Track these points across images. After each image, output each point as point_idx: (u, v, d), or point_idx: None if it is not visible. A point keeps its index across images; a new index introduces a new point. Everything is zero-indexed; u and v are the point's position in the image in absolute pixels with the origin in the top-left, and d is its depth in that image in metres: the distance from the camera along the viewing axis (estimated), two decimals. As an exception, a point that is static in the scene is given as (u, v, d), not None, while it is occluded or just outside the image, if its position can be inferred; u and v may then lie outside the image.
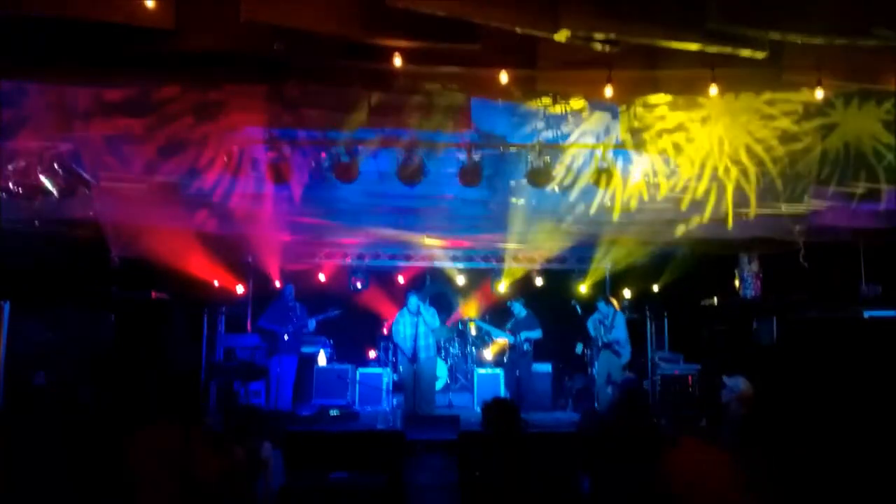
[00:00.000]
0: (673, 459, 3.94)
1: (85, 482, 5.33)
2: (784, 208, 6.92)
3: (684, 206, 7.26)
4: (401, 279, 12.35)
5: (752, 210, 7.06)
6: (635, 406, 4.97)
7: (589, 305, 10.02)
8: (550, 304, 10.84)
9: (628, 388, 5.73)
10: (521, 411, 4.54)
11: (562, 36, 4.18)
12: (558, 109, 5.73)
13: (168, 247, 8.16)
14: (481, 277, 12.33)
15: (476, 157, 6.39)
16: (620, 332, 9.68)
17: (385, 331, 11.18)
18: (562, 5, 4.10)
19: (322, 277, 11.96)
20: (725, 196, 6.90)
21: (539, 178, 6.53)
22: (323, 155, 6.47)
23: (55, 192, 6.12)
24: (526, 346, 9.95)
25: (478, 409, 10.07)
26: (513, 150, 6.52)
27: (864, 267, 7.82)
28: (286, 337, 9.94)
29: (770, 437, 4.96)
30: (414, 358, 9.24)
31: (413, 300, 9.51)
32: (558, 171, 6.65)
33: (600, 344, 9.63)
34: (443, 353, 11.52)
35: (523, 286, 11.81)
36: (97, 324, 7.43)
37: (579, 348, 10.46)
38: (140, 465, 3.66)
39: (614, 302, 10.11)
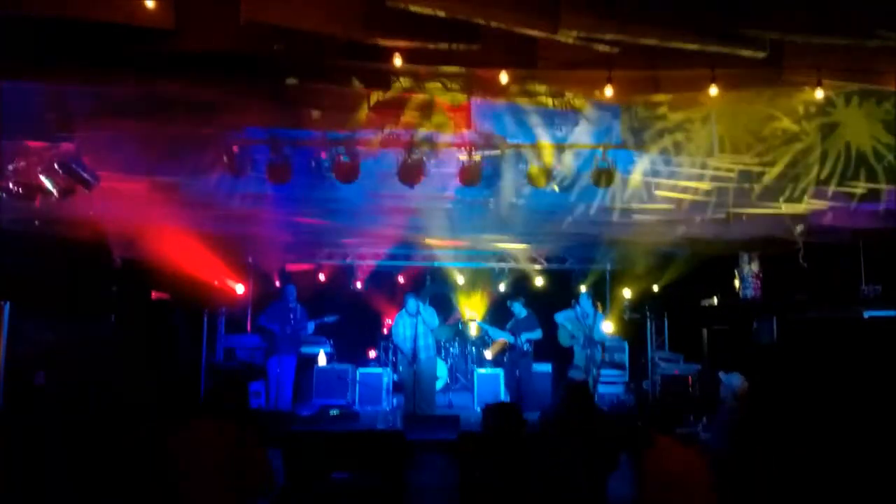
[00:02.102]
0: (648, 460, 3.95)
1: (85, 482, 5.34)
2: (784, 208, 6.91)
3: (684, 206, 7.26)
4: (401, 279, 12.36)
5: (752, 209, 7.05)
6: (577, 403, 4.96)
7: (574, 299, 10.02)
8: (550, 305, 10.85)
9: (569, 384, 5.72)
10: (521, 412, 4.53)
11: (562, 36, 4.18)
12: (558, 109, 5.71)
13: (168, 247, 8.16)
14: (481, 277, 12.33)
15: (476, 157, 6.40)
16: (602, 333, 9.73)
17: (385, 331, 11.18)
18: (562, 5, 4.10)
19: (322, 277, 11.97)
20: (726, 196, 6.90)
21: (539, 178, 6.54)
22: (323, 155, 6.47)
23: (55, 192, 6.11)
24: (526, 347, 9.95)
25: (478, 409, 10.12)
26: (513, 150, 6.51)
27: (864, 267, 7.81)
28: (283, 337, 9.94)
29: (768, 437, 4.97)
30: (414, 358, 9.24)
31: (412, 302, 9.51)
32: (558, 171, 6.66)
33: (586, 338, 9.63)
34: (443, 353, 11.53)
35: (523, 286, 11.82)
36: (97, 324, 7.43)
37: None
38: (189, 460, 3.69)
39: (599, 305, 10.13)
